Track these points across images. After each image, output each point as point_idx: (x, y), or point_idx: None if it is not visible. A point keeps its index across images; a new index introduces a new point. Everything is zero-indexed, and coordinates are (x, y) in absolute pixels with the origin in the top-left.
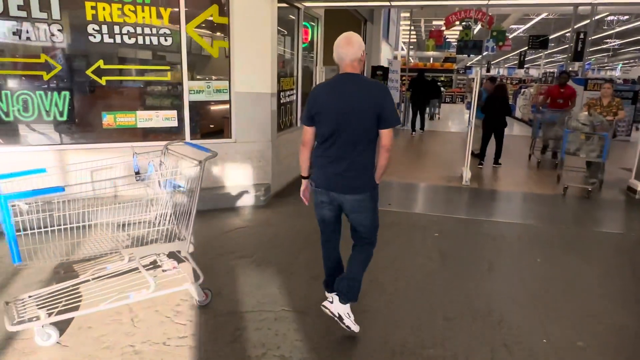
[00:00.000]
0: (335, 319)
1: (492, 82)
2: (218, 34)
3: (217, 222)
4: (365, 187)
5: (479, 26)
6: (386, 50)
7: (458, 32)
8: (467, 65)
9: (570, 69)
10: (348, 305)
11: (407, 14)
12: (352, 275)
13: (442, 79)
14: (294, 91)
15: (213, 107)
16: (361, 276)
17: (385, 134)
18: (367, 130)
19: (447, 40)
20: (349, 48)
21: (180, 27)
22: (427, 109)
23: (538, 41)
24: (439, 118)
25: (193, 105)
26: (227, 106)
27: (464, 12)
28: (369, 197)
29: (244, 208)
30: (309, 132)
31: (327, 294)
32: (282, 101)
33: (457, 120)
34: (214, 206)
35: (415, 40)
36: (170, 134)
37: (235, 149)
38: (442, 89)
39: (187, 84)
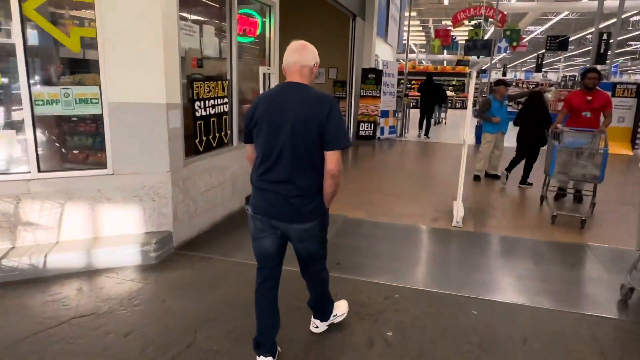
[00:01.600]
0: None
1: (506, 87)
2: (79, 15)
3: (47, 303)
4: (314, 214)
5: (492, 28)
6: (386, 51)
7: (468, 32)
8: (482, 68)
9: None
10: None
11: (414, 13)
12: (319, 300)
13: (454, 82)
14: (226, 100)
15: (77, 125)
16: (327, 297)
17: (330, 157)
18: (311, 150)
19: (456, 40)
20: (302, 52)
21: (10, 7)
22: (434, 114)
23: (557, 42)
24: (445, 123)
25: (43, 121)
26: (98, 123)
27: (474, 9)
28: (317, 225)
29: (121, 270)
30: (251, 150)
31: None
32: (198, 114)
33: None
34: (61, 271)
35: (425, 42)
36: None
37: (113, 183)
38: (448, 93)
39: (27, 91)
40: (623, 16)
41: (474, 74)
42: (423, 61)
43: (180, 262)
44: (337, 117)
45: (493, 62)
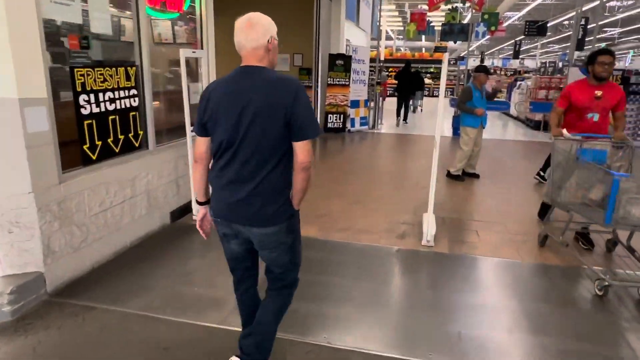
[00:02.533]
0: None
1: (487, 75)
2: None
3: None
4: (278, 216)
5: (470, 12)
6: (358, 36)
7: (444, 16)
8: (461, 55)
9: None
10: None
11: None
12: (261, 329)
13: (432, 70)
14: (134, 92)
15: None
16: (274, 329)
17: (301, 149)
18: (276, 142)
19: (432, 25)
20: (249, 32)
21: None
22: (411, 102)
23: (535, 27)
24: (421, 111)
25: None
26: None
27: None
28: (284, 229)
29: None
30: (201, 144)
31: None
32: (86, 111)
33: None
34: None
35: (402, 28)
36: None
37: None
38: (426, 81)
39: None
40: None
41: (447, 57)
42: (401, 48)
43: (49, 318)
44: (304, 102)
45: (471, 49)
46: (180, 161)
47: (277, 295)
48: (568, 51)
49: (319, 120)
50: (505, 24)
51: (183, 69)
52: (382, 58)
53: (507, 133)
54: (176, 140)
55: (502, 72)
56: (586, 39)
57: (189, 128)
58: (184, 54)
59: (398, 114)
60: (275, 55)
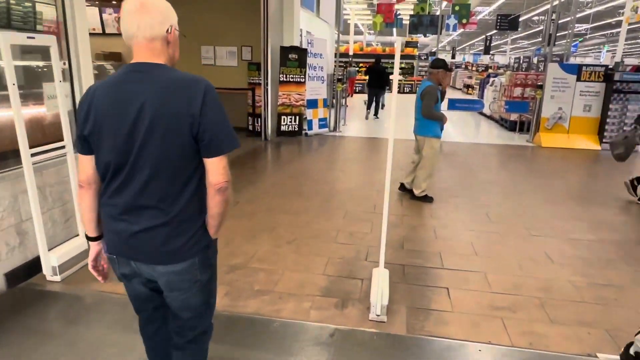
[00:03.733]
0: None
1: (447, 72)
2: None
3: None
4: (189, 250)
5: (440, 5)
6: (320, 29)
7: (413, 7)
8: (432, 51)
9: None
10: None
11: None
12: None
13: (403, 65)
14: None
15: None
16: None
17: (214, 167)
18: (181, 160)
19: (400, 17)
20: (143, 16)
21: None
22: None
23: (507, 21)
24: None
25: None
26: None
27: None
28: (198, 264)
29: None
30: (86, 164)
31: None
32: None
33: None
34: None
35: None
36: None
37: None
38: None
39: None
40: None
41: (399, 43)
42: (373, 43)
43: None
44: (215, 108)
45: (442, 44)
46: (22, 198)
47: (188, 350)
48: (542, 47)
49: (269, 122)
50: (476, 19)
51: (7, 62)
52: (351, 52)
53: (479, 135)
54: (10, 169)
55: (473, 68)
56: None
57: (68, 139)
58: (7, 39)
59: (368, 107)
60: (176, 49)
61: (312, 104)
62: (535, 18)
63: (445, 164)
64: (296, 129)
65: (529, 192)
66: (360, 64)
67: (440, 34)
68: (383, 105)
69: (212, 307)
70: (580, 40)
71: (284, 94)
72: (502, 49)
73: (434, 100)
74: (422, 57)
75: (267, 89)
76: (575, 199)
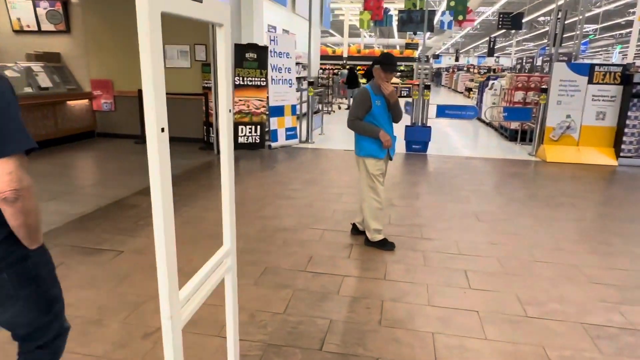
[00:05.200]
0: None
1: (392, 72)
2: None
3: None
4: None
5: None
6: (299, 27)
7: (404, 2)
8: (436, 53)
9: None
10: None
11: None
12: None
13: (402, 68)
14: None
15: None
16: None
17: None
18: None
19: (390, 14)
20: None
21: None
22: None
23: (510, 18)
24: None
25: None
26: None
27: None
28: (7, 280)
29: None
30: None
31: None
32: None
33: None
34: None
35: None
36: None
37: None
38: (393, 80)
39: None
40: None
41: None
42: (374, 45)
43: None
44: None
45: (445, 46)
46: None
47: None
48: (547, 46)
49: None
50: (478, 20)
51: None
52: (345, 54)
53: (474, 146)
54: None
55: (476, 70)
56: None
57: None
58: None
59: None
60: None
61: (277, 111)
62: (541, 19)
63: (425, 188)
64: (257, 140)
65: (531, 230)
66: (358, 67)
67: (432, 31)
68: None
69: (57, 315)
70: (591, 36)
71: (240, 100)
72: (507, 51)
73: (363, 109)
74: (422, 60)
75: (218, 94)
76: (600, 243)
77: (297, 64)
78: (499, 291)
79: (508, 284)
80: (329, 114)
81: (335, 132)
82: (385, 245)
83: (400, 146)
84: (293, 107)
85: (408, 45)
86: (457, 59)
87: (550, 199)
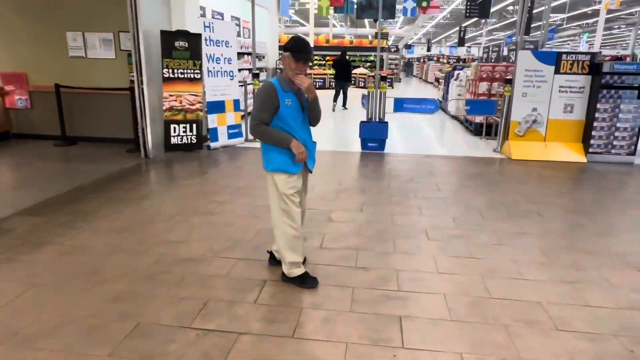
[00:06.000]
0: None
1: (305, 62)
2: None
3: None
4: None
5: None
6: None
7: None
8: (408, 43)
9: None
10: None
11: None
12: None
13: (372, 58)
14: None
15: None
16: None
17: None
18: None
19: (352, 2)
20: None
21: None
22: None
23: (477, 4)
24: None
25: None
26: None
27: None
28: None
29: None
30: None
31: None
32: None
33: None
34: None
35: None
36: None
37: None
38: (362, 71)
39: None
40: None
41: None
42: (345, 35)
43: None
44: None
45: (417, 36)
46: None
47: None
48: (514, 34)
49: (150, 134)
50: (448, 10)
51: None
52: (312, 44)
53: (436, 142)
54: None
55: (445, 60)
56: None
57: None
58: None
59: (335, 100)
60: None
61: (216, 107)
62: (510, 8)
63: (373, 196)
64: (194, 140)
65: (488, 251)
66: (327, 57)
67: (393, 18)
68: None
69: None
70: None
71: (171, 95)
72: (478, 41)
73: (269, 111)
74: (392, 50)
75: (142, 89)
76: (568, 267)
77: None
78: (442, 351)
79: (453, 340)
80: None
81: None
82: (305, 281)
83: (355, 145)
84: (236, 102)
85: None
86: (429, 49)
87: (514, 207)
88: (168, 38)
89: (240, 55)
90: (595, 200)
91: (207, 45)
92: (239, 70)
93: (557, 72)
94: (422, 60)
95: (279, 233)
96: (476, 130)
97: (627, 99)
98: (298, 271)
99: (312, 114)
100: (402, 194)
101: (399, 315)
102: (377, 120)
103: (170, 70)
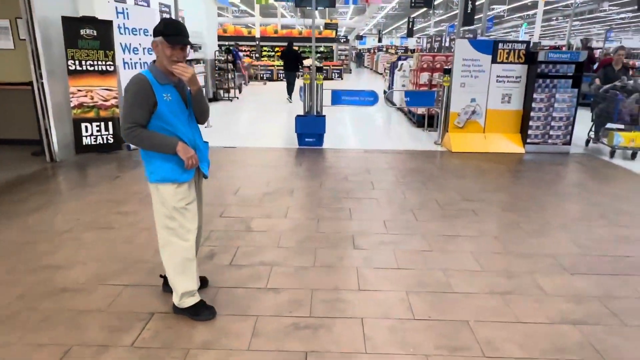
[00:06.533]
0: None
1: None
2: None
3: None
4: None
5: None
6: (195, 4)
7: None
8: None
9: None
10: None
11: None
12: None
13: (322, 49)
14: None
15: None
16: None
17: None
18: None
19: None
20: None
21: None
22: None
23: None
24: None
25: None
26: None
27: None
28: None
29: None
30: None
31: None
32: None
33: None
34: None
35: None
36: None
37: None
38: (310, 62)
39: None
40: None
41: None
42: (296, 25)
43: None
44: None
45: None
46: None
47: None
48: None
49: (55, 135)
50: (396, 0)
51: None
52: (257, 35)
53: (379, 136)
54: None
55: (393, 50)
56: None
57: None
58: None
59: (288, 93)
60: None
61: None
62: None
63: (301, 199)
64: (110, 140)
65: (416, 262)
66: (277, 48)
67: (334, 6)
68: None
69: None
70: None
71: (80, 90)
72: (426, 32)
73: (143, 109)
74: (342, 40)
75: (42, 83)
76: (500, 275)
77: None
78: None
79: None
80: (230, 100)
81: (230, 124)
82: (200, 312)
83: (292, 141)
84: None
85: (327, 26)
86: (380, 40)
87: (449, 206)
88: (72, 25)
89: None
90: (530, 195)
91: (121, 34)
92: None
93: (494, 61)
94: (372, 51)
95: (166, 256)
96: (419, 122)
97: (562, 88)
98: (191, 301)
99: (198, 110)
100: (333, 195)
101: (305, 350)
102: (315, 114)
103: (77, 62)
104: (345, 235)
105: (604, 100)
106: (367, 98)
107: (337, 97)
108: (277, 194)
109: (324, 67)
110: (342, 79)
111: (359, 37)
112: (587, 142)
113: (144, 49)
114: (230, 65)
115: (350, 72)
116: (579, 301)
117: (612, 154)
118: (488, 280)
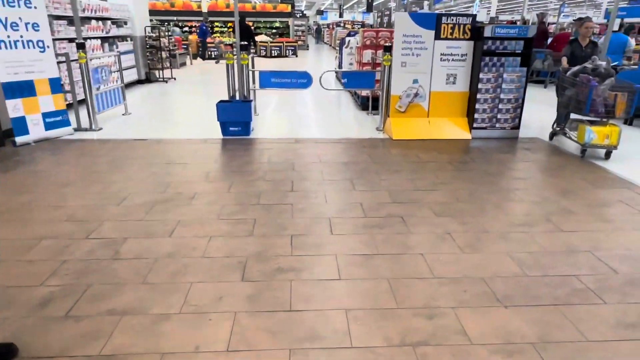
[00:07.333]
0: None
1: None
2: None
3: None
4: None
5: None
6: None
7: None
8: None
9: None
10: None
11: None
12: None
13: (277, 24)
14: None
15: None
16: None
17: None
18: None
19: None
20: None
21: None
22: None
23: None
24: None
25: None
26: None
27: None
28: None
29: None
30: None
31: None
32: None
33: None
34: None
35: None
36: None
37: None
38: (264, 38)
39: None
40: None
41: None
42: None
43: None
44: None
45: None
46: None
47: None
48: None
49: None
50: None
51: None
52: (204, 9)
53: (319, 121)
54: None
55: (350, 26)
56: None
57: None
58: None
59: None
60: None
61: (18, 89)
62: None
63: (192, 210)
64: None
65: (321, 299)
66: (229, 24)
67: None
68: None
69: None
70: None
71: None
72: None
73: None
74: (298, 15)
75: None
76: (422, 310)
77: (114, 20)
78: None
79: None
80: (165, 82)
81: (153, 110)
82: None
83: (217, 130)
84: (54, 80)
85: (283, 0)
86: (341, 15)
87: (375, 212)
88: None
89: (85, 20)
90: (470, 193)
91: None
92: (73, 40)
93: (437, 37)
94: (331, 26)
95: None
96: (363, 104)
97: (510, 67)
98: None
99: None
100: (239, 203)
101: None
102: (241, 99)
103: None
104: (236, 262)
105: (573, 86)
106: (300, 80)
107: (266, 79)
108: (173, 203)
109: (276, 44)
110: (296, 56)
111: (320, 12)
112: (552, 135)
113: (26, 24)
114: (163, 43)
115: (308, 49)
116: (511, 352)
117: (582, 153)
118: (401, 323)
